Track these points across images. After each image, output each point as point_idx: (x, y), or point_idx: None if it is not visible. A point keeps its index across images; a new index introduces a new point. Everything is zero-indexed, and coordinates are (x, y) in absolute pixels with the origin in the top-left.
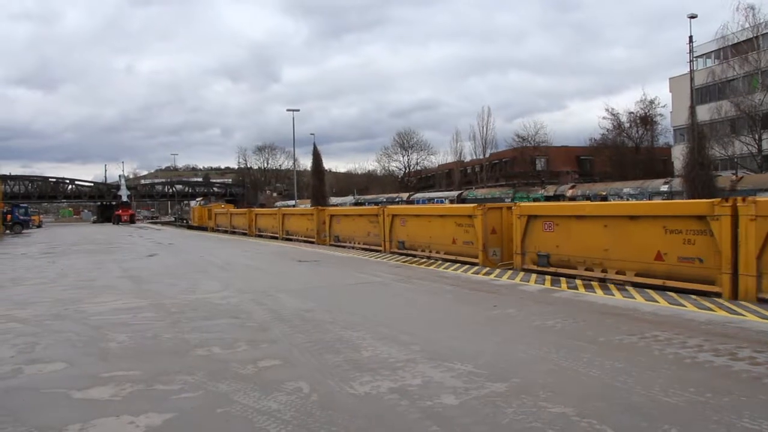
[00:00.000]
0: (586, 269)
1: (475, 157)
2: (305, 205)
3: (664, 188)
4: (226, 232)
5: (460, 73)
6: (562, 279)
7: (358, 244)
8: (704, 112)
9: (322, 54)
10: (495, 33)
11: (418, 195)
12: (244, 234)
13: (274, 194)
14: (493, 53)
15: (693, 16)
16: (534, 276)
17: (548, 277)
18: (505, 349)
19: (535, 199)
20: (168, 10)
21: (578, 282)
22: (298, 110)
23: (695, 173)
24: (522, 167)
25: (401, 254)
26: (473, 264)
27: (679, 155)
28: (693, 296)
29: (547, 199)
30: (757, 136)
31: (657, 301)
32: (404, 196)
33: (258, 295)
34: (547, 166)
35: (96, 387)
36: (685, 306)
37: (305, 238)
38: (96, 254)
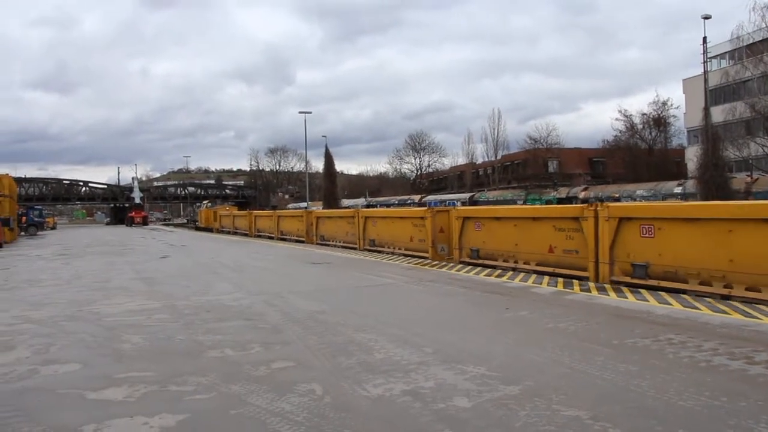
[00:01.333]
0: (504, 261)
1: (487, 159)
2: (317, 207)
3: (678, 190)
4: (229, 233)
5: (473, 75)
6: (488, 269)
7: (339, 242)
8: (718, 114)
9: (336, 56)
10: (509, 35)
11: (430, 197)
12: (245, 235)
13: (286, 196)
14: (506, 55)
15: (707, 17)
16: (546, 278)
17: (481, 268)
18: (517, 351)
19: (548, 201)
20: (183, 13)
21: (499, 271)
22: (310, 112)
23: (709, 175)
24: (534, 169)
25: (372, 251)
26: (425, 258)
27: (692, 157)
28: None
29: (560, 201)
30: None
31: (671, 304)
32: (416, 198)
33: (270, 297)
34: (559, 168)
35: (110, 388)
36: (700, 309)
37: (296, 237)
38: (109, 256)
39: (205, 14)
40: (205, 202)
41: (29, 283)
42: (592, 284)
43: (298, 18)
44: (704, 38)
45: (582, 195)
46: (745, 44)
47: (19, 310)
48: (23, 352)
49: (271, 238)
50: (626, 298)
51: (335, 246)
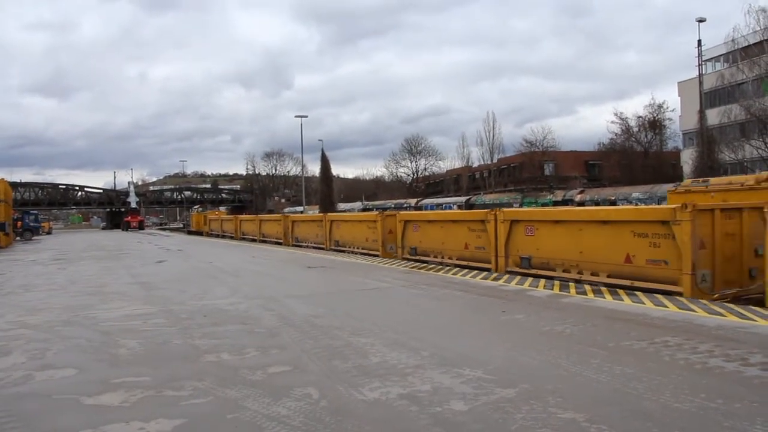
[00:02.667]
0: (435, 256)
1: (483, 162)
2: (313, 211)
3: None
4: (217, 236)
5: (471, 78)
6: (423, 263)
7: (311, 243)
8: (714, 116)
9: (334, 61)
10: (507, 39)
11: (427, 201)
12: (232, 237)
13: (283, 200)
14: (504, 59)
15: (702, 20)
16: (541, 282)
17: (421, 264)
18: (514, 354)
19: (543, 204)
20: (182, 17)
21: (432, 265)
22: (306, 116)
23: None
24: (530, 172)
25: (337, 250)
26: (375, 255)
27: (688, 159)
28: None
29: (556, 204)
30: (767, 140)
31: (667, 307)
32: (412, 201)
33: (266, 301)
34: (555, 171)
35: (106, 393)
36: (696, 311)
37: (275, 239)
38: (105, 260)
39: (204, 18)
40: (196, 207)
41: (25, 288)
42: (494, 273)
43: (297, 22)
44: (699, 41)
45: (578, 198)
46: (740, 47)
47: (14, 316)
48: (19, 358)
49: (254, 240)
50: (622, 300)
51: (307, 247)
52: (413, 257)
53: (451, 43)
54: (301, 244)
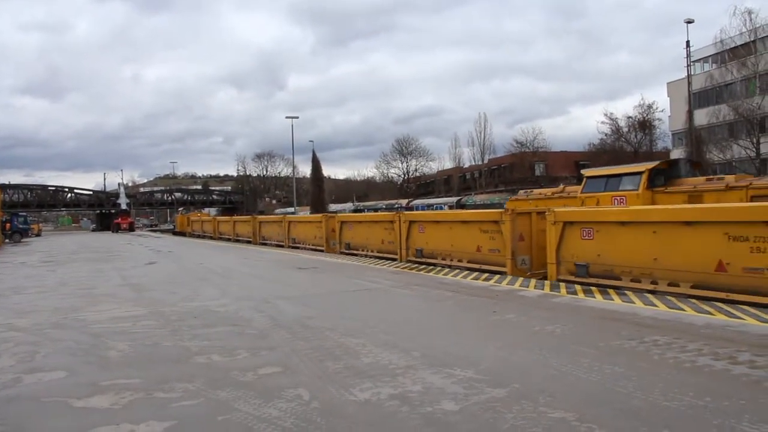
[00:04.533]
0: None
1: (474, 163)
2: (305, 212)
3: None
4: (198, 236)
5: (464, 79)
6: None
7: (274, 241)
8: (702, 116)
9: (328, 61)
10: (500, 40)
11: (417, 201)
12: (211, 238)
13: (273, 201)
14: (497, 60)
15: (690, 21)
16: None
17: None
18: (505, 354)
19: None
20: (176, 18)
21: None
22: (297, 117)
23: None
24: (521, 173)
25: (293, 247)
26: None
27: None
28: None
29: None
30: (755, 140)
31: (656, 306)
32: (403, 202)
33: (257, 303)
34: (545, 171)
35: (96, 395)
36: (685, 310)
37: (246, 239)
38: (95, 262)
39: (198, 19)
40: (180, 209)
41: (14, 290)
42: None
43: (291, 23)
44: (687, 42)
45: None
46: (728, 48)
47: (2, 318)
48: (7, 361)
49: (229, 239)
50: (612, 300)
51: (270, 244)
52: (348, 251)
53: (445, 44)
54: (267, 242)
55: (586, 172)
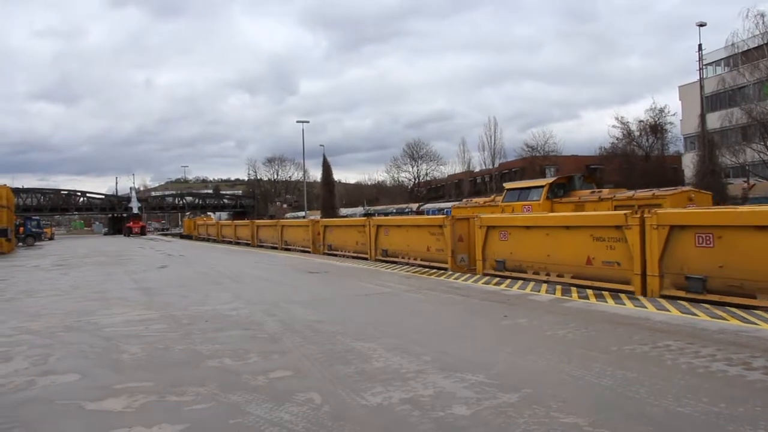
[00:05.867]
0: (534, 273)
1: (484, 167)
2: (315, 216)
3: None
4: (204, 239)
5: (475, 83)
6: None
7: (268, 243)
8: (714, 120)
9: (339, 66)
10: (511, 44)
11: (428, 205)
12: (215, 240)
13: (284, 206)
14: (508, 64)
15: (702, 24)
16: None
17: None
18: (516, 359)
19: None
20: (190, 23)
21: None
22: (307, 122)
23: (706, 181)
24: (531, 177)
25: (285, 249)
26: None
27: (689, 163)
28: (705, 305)
29: None
30: None
31: (669, 310)
32: (414, 206)
33: (269, 307)
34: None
35: (109, 398)
36: (698, 315)
37: (246, 241)
38: (107, 266)
39: (212, 24)
40: (188, 213)
41: (27, 293)
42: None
43: (304, 28)
44: (699, 45)
45: None
46: (740, 51)
47: (16, 321)
48: (21, 363)
49: (230, 242)
50: (624, 304)
51: (266, 247)
52: (329, 251)
53: (455, 48)
54: (263, 244)
55: (507, 185)
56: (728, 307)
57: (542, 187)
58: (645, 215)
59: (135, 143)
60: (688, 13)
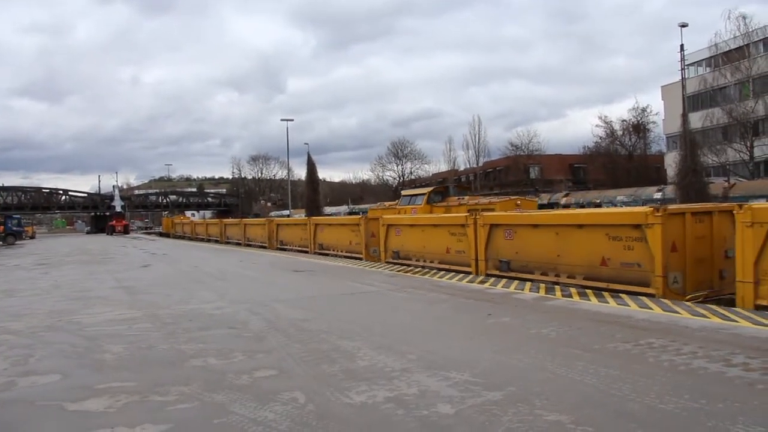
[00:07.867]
0: (542, 273)
1: (469, 166)
2: (300, 215)
3: (657, 195)
4: (180, 237)
5: (462, 83)
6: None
7: (234, 240)
8: (696, 120)
9: (327, 64)
10: (499, 44)
11: None
12: (190, 238)
13: (269, 204)
14: (496, 63)
15: (684, 25)
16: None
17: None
18: (500, 357)
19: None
20: (178, 20)
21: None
22: (292, 120)
23: (688, 180)
24: (516, 176)
25: (248, 245)
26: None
27: (671, 163)
28: (686, 303)
29: (541, 207)
30: (748, 143)
31: (651, 309)
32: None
33: (253, 305)
34: (541, 174)
35: (91, 399)
36: (680, 313)
37: (216, 238)
38: (90, 265)
39: (200, 21)
40: (165, 212)
41: (7, 293)
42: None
43: (293, 26)
44: (681, 45)
45: (563, 201)
46: (722, 51)
47: None
48: (1, 364)
49: (202, 239)
50: (607, 303)
51: (231, 243)
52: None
53: (444, 47)
54: (230, 240)
55: (403, 192)
56: (709, 305)
57: (424, 194)
58: (477, 217)
59: (120, 141)
60: (675, 14)
